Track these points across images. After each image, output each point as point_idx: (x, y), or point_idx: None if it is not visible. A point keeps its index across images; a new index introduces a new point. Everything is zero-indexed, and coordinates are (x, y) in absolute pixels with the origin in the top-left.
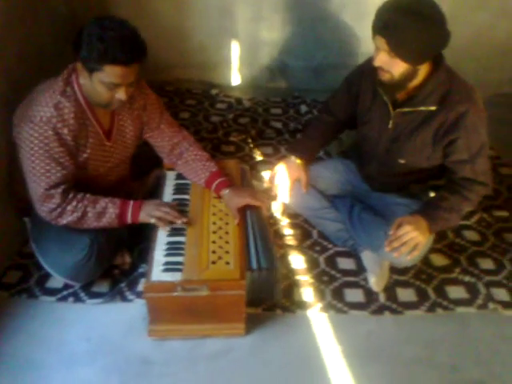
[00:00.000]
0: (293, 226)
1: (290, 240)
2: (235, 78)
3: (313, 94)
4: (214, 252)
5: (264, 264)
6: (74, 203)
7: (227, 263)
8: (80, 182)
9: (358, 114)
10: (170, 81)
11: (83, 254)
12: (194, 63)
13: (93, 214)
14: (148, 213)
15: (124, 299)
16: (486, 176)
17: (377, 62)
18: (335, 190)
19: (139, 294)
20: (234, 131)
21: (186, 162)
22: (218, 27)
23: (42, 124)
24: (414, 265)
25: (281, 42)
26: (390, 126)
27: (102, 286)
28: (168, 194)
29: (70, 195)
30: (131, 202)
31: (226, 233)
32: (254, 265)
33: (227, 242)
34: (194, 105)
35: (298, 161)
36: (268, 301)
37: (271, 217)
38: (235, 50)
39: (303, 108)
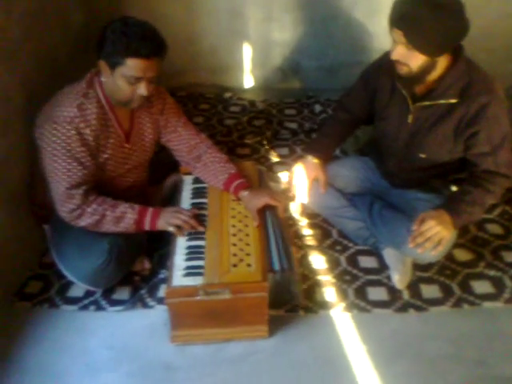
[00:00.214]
0: (312, 225)
1: (310, 240)
2: (248, 81)
3: (326, 94)
4: (234, 255)
5: (286, 264)
6: (95, 206)
7: (248, 265)
8: (98, 183)
9: (375, 110)
10: (183, 86)
11: (102, 260)
12: (205, 67)
13: (111, 218)
14: (166, 221)
15: (145, 306)
16: (509, 168)
17: (394, 56)
18: (354, 188)
19: (160, 300)
20: (248, 133)
21: (204, 165)
22: (228, 29)
23: (65, 124)
24: (438, 261)
25: (293, 42)
26: (410, 120)
27: (123, 293)
28: (186, 199)
29: (91, 197)
30: (150, 209)
31: (247, 235)
32: (276, 266)
33: (248, 244)
34: (207, 109)
35: (315, 160)
36: (290, 302)
37: (289, 217)
38: (247, 51)
39: (317, 107)
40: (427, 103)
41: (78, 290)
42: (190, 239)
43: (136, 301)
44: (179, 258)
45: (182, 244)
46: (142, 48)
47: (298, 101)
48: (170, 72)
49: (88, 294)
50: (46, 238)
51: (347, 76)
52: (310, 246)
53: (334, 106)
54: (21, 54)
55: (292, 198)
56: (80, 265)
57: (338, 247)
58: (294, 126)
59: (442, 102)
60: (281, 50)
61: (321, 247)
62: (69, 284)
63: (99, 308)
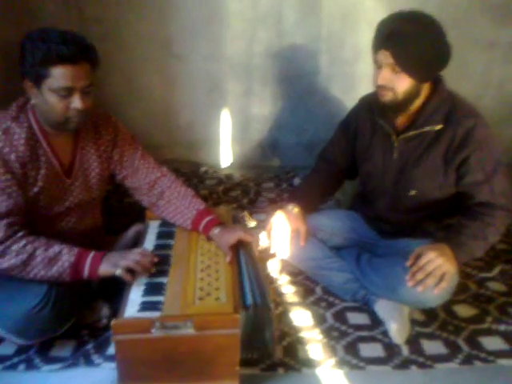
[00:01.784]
0: (293, 283)
1: (291, 297)
2: (225, 157)
3: (305, 171)
4: (201, 289)
5: (259, 300)
6: (23, 243)
7: (217, 299)
8: (35, 224)
9: (357, 154)
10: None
11: (37, 301)
12: (182, 142)
13: (42, 259)
14: (113, 263)
15: (89, 364)
16: (507, 198)
17: (380, 81)
18: (339, 240)
19: (109, 358)
20: (223, 202)
21: (168, 202)
22: (206, 103)
23: None
24: (437, 316)
25: (271, 118)
26: (395, 156)
27: (64, 350)
28: (150, 241)
29: (19, 234)
30: (92, 252)
31: (217, 270)
32: (250, 301)
33: (217, 279)
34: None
35: (296, 209)
36: (260, 350)
37: (264, 257)
38: (225, 126)
39: (296, 181)
40: (412, 133)
41: (8, 347)
42: (149, 276)
43: (78, 358)
44: (135, 294)
45: (140, 280)
46: (65, 52)
47: (276, 176)
48: (147, 147)
49: (20, 351)
50: None
51: None
52: (291, 304)
53: (316, 159)
54: None
55: (273, 255)
56: (8, 308)
57: (323, 304)
58: (272, 195)
59: (428, 129)
60: (259, 126)
61: (303, 304)
62: None
63: (30, 367)
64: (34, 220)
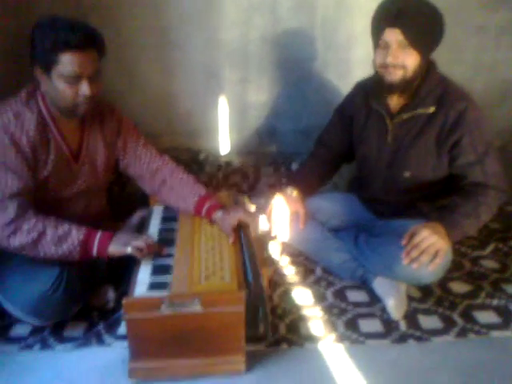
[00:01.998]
0: (294, 264)
1: (292, 278)
2: (224, 145)
3: (302, 156)
4: (206, 269)
5: (252, 283)
6: (33, 221)
7: (222, 278)
8: (44, 207)
9: (354, 137)
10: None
11: (49, 284)
12: (181, 131)
13: (52, 237)
14: (123, 242)
15: (101, 343)
16: (499, 179)
17: (391, 59)
18: (337, 222)
19: (120, 337)
20: (223, 188)
21: (170, 189)
22: (204, 91)
23: None
24: (433, 293)
25: (269, 105)
26: (389, 139)
27: (76, 330)
28: (154, 225)
29: (30, 212)
30: (100, 231)
31: (220, 252)
32: (251, 280)
33: (221, 260)
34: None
35: (295, 193)
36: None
37: (263, 241)
38: (223, 114)
39: (294, 166)
40: (405, 116)
41: (22, 328)
42: (156, 258)
43: (90, 338)
44: (143, 275)
45: (147, 262)
46: (73, 39)
47: (274, 161)
48: (147, 136)
49: (34, 331)
50: None
51: None
52: (292, 283)
53: (314, 144)
54: None
55: (273, 237)
56: (23, 292)
57: (323, 283)
58: (271, 180)
59: (421, 111)
60: (257, 113)
61: (304, 283)
62: (12, 323)
63: (45, 346)
64: (44, 204)
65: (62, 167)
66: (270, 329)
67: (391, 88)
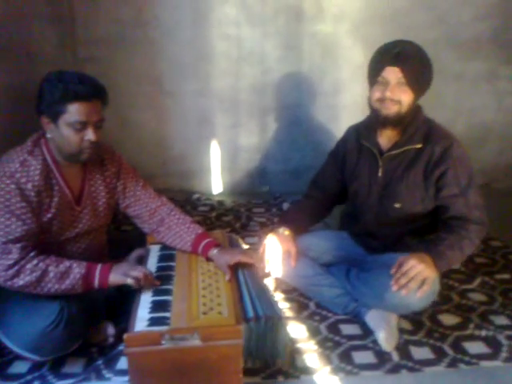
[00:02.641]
0: (287, 299)
1: (287, 312)
2: (216, 185)
3: (292, 196)
4: (204, 304)
5: (261, 312)
6: (35, 262)
7: (220, 313)
8: (46, 248)
9: (346, 176)
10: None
11: (50, 320)
12: (174, 172)
13: (54, 274)
14: (122, 272)
15: (100, 378)
16: (480, 211)
17: (389, 93)
18: (328, 258)
19: (119, 373)
20: (217, 227)
21: (168, 228)
22: (197, 136)
23: (5, 178)
24: (424, 325)
25: (259, 147)
26: (380, 173)
27: (75, 366)
28: (152, 263)
29: (32, 253)
30: (100, 264)
31: (217, 288)
32: (251, 313)
33: (218, 296)
34: None
35: (287, 232)
36: (274, 360)
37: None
38: (215, 157)
39: (285, 205)
40: (394, 152)
41: (21, 365)
42: (155, 295)
43: (90, 373)
44: (142, 312)
45: (146, 299)
46: (81, 90)
47: (265, 202)
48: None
49: (33, 368)
50: None
51: (310, 179)
52: (286, 318)
53: (308, 186)
54: None
55: (267, 275)
56: (23, 327)
57: (317, 317)
58: (263, 220)
59: (409, 147)
60: (248, 155)
61: (298, 318)
62: (11, 360)
63: (44, 383)
64: (47, 246)
65: (65, 210)
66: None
67: (386, 121)
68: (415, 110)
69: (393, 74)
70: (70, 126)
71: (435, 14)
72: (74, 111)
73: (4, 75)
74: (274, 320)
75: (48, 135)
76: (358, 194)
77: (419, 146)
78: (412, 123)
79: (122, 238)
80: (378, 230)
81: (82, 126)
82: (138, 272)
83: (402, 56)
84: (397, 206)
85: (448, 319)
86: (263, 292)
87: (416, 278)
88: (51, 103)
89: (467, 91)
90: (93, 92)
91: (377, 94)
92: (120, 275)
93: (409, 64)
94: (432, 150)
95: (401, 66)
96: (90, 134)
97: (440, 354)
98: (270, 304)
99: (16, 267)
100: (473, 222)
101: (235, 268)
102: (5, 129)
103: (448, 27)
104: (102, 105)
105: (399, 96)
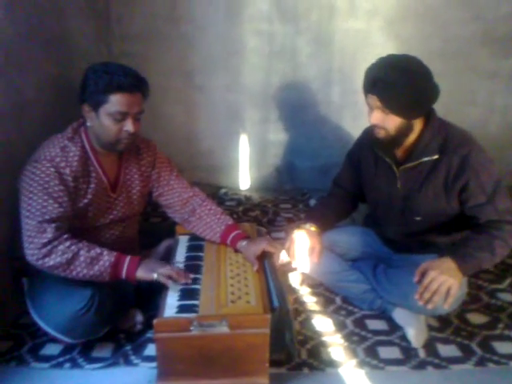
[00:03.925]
0: (314, 294)
1: (313, 306)
2: (244, 181)
3: (319, 193)
4: (232, 293)
5: (281, 305)
6: (68, 243)
7: (248, 302)
8: (82, 234)
9: (363, 183)
10: None
11: (82, 305)
12: (202, 166)
13: (84, 259)
14: (151, 268)
15: (128, 363)
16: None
17: (372, 120)
18: (355, 254)
19: (146, 359)
20: (243, 222)
21: (199, 218)
22: (226, 130)
23: (45, 162)
24: (451, 323)
25: (287, 143)
26: (399, 185)
27: (104, 351)
28: (181, 254)
29: (65, 235)
30: (129, 256)
31: (245, 278)
32: (276, 303)
33: (246, 285)
34: None
35: (313, 228)
36: (282, 354)
37: (285, 270)
38: (243, 152)
39: (312, 202)
40: (410, 164)
41: (53, 347)
42: (183, 284)
43: (118, 357)
44: (171, 299)
45: (175, 288)
46: (125, 82)
47: (292, 198)
48: None
49: (65, 351)
50: (24, 295)
51: None
52: (312, 311)
53: (331, 184)
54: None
55: (293, 268)
56: (56, 311)
57: (343, 312)
58: (289, 215)
59: (425, 159)
60: (276, 151)
61: (324, 312)
62: (44, 342)
63: (75, 365)
64: (81, 231)
65: (101, 196)
66: (297, 354)
67: (377, 144)
68: (427, 116)
69: (372, 101)
70: (110, 116)
71: (471, 9)
72: (116, 102)
73: (47, 65)
74: (282, 312)
75: (88, 123)
76: (379, 204)
77: (436, 156)
78: (425, 133)
79: (151, 228)
80: (402, 238)
81: (121, 117)
82: (165, 270)
83: (378, 83)
84: (418, 218)
85: (476, 318)
86: (277, 283)
87: (440, 290)
88: (94, 92)
89: (501, 89)
90: (135, 84)
91: (369, 118)
92: (148, 272)
93: (386, 92)
94: (450, 160)
95: (377, 94)
96: (128, 125)
97: (468, 353)
98: (283, 297)
99: (49, 246)
100: (506, 222)
101: (262, 259)
102: (47, 116)
103: (484, 23)
104: (143, 97)
105: (382, 122)
